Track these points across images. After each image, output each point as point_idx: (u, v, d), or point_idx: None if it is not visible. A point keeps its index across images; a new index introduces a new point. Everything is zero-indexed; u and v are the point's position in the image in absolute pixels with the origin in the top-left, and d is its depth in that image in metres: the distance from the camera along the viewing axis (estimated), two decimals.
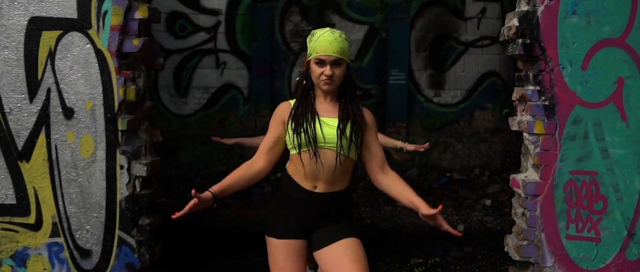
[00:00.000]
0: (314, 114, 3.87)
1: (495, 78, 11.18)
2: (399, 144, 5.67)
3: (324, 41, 3.81)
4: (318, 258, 3.95)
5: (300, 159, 3.87)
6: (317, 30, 3.94)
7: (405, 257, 6.42)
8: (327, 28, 3.93)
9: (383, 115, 11.05)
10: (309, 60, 3.91)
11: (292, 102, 4.02)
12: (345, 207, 4.10)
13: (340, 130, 3.83)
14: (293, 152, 3.91)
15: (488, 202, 8.78)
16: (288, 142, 3.93)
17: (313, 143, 3.82)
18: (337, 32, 3.88)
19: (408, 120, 11.09)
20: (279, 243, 3.98)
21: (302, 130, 3.83)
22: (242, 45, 10.86)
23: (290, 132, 3.88)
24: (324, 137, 3.82)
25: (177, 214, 3.52)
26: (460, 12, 11.14)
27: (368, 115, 4.02)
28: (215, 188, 3.74)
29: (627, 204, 4.79)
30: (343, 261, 3.77)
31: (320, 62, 3.83)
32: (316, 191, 3.93)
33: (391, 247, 6.69)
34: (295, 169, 3.97)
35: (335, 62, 3.80)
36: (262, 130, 5.18)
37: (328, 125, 3.86)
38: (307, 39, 3.95)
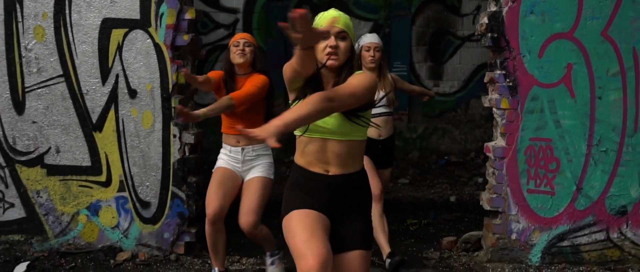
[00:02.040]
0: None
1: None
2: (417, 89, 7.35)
3: (328, 16, 3.74)
4: (337, 259, 3.80)
5: (305, 143, 3.80)
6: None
7: (402, 219, 7.69)
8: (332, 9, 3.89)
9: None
10: None
11: None
12: (364, 194, 3.95)
13: (350, 118, 3.70)
14: (298, 133, 3.80)
15: (480, 180, 9.98)
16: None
17: (320, 131, 3.72)
18: (342, 13, 3.79)
19: (409, 108, 11.95)
20: (299, 213, 3.76)
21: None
22: (259, 40, 11.38)
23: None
24: (330, 126, 3.70)
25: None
26: (457, 9, 12.05)
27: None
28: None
29: (576, 164, 6.08)
30: None
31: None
32: (329, 174, 3.78)
33: (391, 212, 7.89)
34: (303, 156, 3.85)
35: (339, 34, 3.68)
36: None
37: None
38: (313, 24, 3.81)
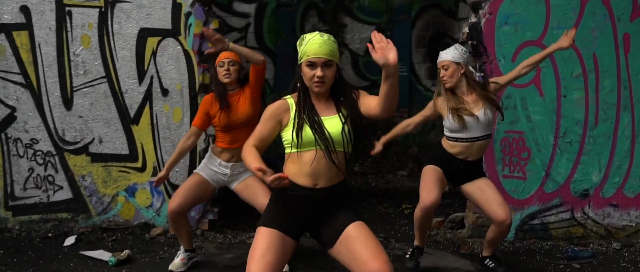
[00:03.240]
0: (316, 114, 3.96)
1: None
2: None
3: (313, 44, 3.88)
4: (334, 254, 4.06)
5: (300, 158, 3.94)
6: (307, 34, 4.02)
7: (398, 204, 8.53)
8: (316, 32, 4.02)
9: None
10: (301, 64, 3.96)
11: (289, 100, 4.05)
12: (344, 196, 4.16)
13: (344, 131, 3.94)
14: (291, 151, 3.97)
15: None
16: (286, 141, 4.00)
17: (322, 143, 3.89)
18: (325, 36, 3.94)
19: (410, 106, 12.38)
20: (265, 231, 4.00)
21: (313, 130, 3.89)
22: (269, 43, 12.25)
23: (290, 131, 3.94)
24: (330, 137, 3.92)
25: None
26: (454, 13, 12.63)
27: (360, 97, 4.05)
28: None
29: (544, 153, 7.00)
30: (358, 248, 3.90)
31: (311, 65, 3.89)
32: (317, 187, 3.98)
33: (389, 199, 8.74)
34: (294, 171, 3.99)
35: (325, 64, 3.88)
36: None
37: (329, 124, 3.95)
38: (297, 44, 4.04)
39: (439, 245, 7.03)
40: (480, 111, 5.61)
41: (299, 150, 3.91)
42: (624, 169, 7.11)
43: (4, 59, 7.07)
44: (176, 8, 7.00)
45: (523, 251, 6.83)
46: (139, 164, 7.25)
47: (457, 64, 5.65)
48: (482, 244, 6.59)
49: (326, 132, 3.88)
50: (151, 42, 7.07)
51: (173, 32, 7.05)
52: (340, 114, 3.97)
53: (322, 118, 3.94)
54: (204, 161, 6.04)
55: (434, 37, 12.60)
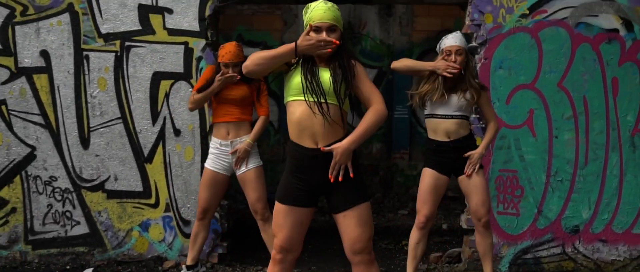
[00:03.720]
0: (315, 64, 4.33)
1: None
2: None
3: (319, 11, 4.27)
4: (335, 219, 4.49)
5: (294, 110, 4.34)
6: (311, 3, 4.41)
7: (398, 241, 8.83)
8: (321, 0, 4.37)
9: (390, 144, 12.52)
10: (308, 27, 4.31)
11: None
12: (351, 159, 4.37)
13: (334, 81, 4.27)
14: (290, 99, 4.38)
15: None
16: (287, 87, 4.41)
17: (311, 93, 4.25)
18: (329, 3, 4.32)
19: (410, 147, 12.59)
20: (279, 207, 4.49)
21: (308, 78, 4.27)
22: (273, 86, 12.21)
23: (297, 75, 4.34)
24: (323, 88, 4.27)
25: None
26: None
27: (359, 68, 4.40)
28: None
29: (537, 191, 7.32)
30: (351, 231, 4.37)
31: (317, 29, 4.26)
32: (319, 146, 4.30)
33: (389, 236, 8.97)
34: (293, 128, 4.39)
35: (330, 28, 4.25)
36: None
37: (324, 76, 4.31)
38: (303, 13, 4.44)
39: None
40: (459, 94, 6.01)
41: (290, 99, 4.36)
42: (612, 206, 7.44)
43: (24, 101, 7.44)
44: (188, 52, 7.39)
45: None
46: (152, 201, 7.61)
47: (465, 51, 6.00)
48: None
49: (315, 82, 4.24)
50: (164, 84, 7.46)
51: (185, 76, 7.43)
52: (334, 70, 4.31)
53: (321, 70, 4.31)
54: (209, 155, 6.56)
55: None
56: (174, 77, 7.48)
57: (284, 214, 4.45)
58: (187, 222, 7.40)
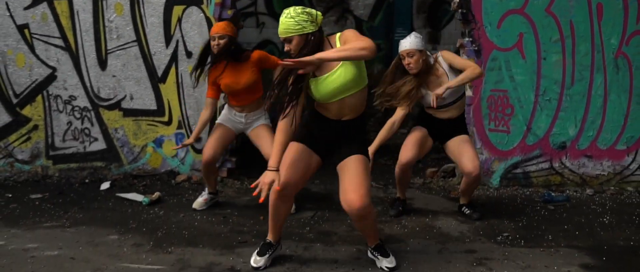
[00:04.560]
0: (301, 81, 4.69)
1: None
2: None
3: (279, 26, 4.62)
4: (338, 169, 4.94)
5: (324, 105, 4.85)
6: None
7: (396, 157, 8.34)
8: (284, 10, 4.65)
9: (390, 63, 12.66)
10: None
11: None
12: (362, 126, 5.03)
13: (342, 80, 4.67)
14: (329, 100, 4.79)
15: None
16: (322, 92, 4.75)
17: (330, 97, 4.73)
18: (285, 12, 4.61)
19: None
20: (295, 145, 4.92)
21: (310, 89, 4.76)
22: (278, 8, 12.24)
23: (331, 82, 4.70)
24: (334, 90, 4.70)
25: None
26: None
27: (344, 36, 4.68)
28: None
29: (526, 110, 7.77)
30: (346, 178, 4.79)
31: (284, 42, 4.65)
32: (343, 119, 4.86)
33: (388, 153, 8.92)
34: (322, 109, 4.91)
35: (286, 40, 4.61)
36: None
37: (330, 79, 4.70)
38: None
39: (431, 191, 7.91)
40: (443, 87, 6.14)
41: (323, 101, 4.79)
42: (597, 124, 7.91)
43: (46, 25, 7.91)
44: None
45: (506, 196, 7.64)
46: (165, 119, 8.12)
47: (420, 51, 6.15)
48: None
49: (330, 89, 4.68)
50: (177, 10, 7.88)
51: (196, 1, 7.84)
52: (338, 67, 4.66)
53: (322, 77, 4.67)
54: (223, 112, 6.86)
55: (434, 4, 12.79)
56: (186, 2, 7.87)
57: (295, 151, 4.89)
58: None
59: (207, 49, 6.62)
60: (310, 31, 4.59)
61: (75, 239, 5.90)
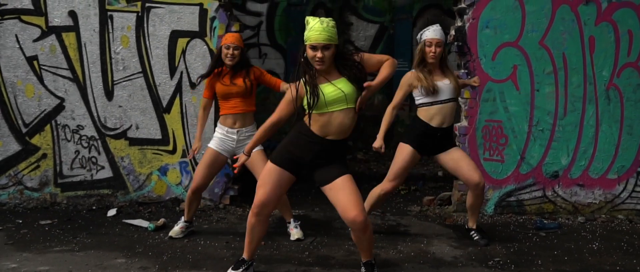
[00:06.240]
0: (316, 84, 4.89)
1: None
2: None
3: (315, 31, 4.71)
4: (325, 191, 5.21)
5: (316, 116, 5.01)
6: (310, 19, 4.87)
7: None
8: (318, 19, 4.82)
9: (391, 95, 11.26)
10: (305, 45, 4.85)
11: (302, 82, 4.97)
12: (343, 151, 5.25)
13: (344, 91, 4.90)
14: (309, 111, 5.00)
15: None
16: (306, 104, 4.99)
17: (325, 106, 4.91)
18: (325, 22, 4.76)
19: (410, 99, 11.77)
20: (270, 166, 5.22)
21: (315, 96, 4.87)
22: (280, 39, 12.80)
23: (307, 96, 4.90)
24: (332, 100, 4.89)
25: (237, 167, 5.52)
26: (453, 13, 11.77)
27: (363, 58, 5.04)
28: (248, 147, 5.39)
29: (520, 140, 8.03)
30: (342, 197, 5.04)
31: (313, 47, 4.75)
32: (327, 138, 5.03)
33: None
34: (311, 123, 5.06)
35: (325, 47, 4.72)
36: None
37: (332, 88, 4.91)
38: (306, 23, 4.93)
39: (428, 218, 8.17)
40: (446, 79, 6.59)
41: (309, 111, 4.98)
42: (588, 154, 8.15)
43: (54, 57, 8.26)
44: (203, 13, 8.17)
45: (499, 223, 7.88)
46: (170, 148, 8.42)
47: (444, 43, 6.50)
48: (465, 217, 7.68)
49: (322, 97, 4.86)
50: (181, 42, 8.25)
51: (200, 34, 8.20)
52: (343, 78, 4.95)
53: (328, 84, 4.89)
54: (214, 133, 6.94)
55: None
56: (190, 35, 8.24)
57: (271, 172, 5.20)
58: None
59: (219, 57, 6.80)
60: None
61: (84, 262, 6.21)
